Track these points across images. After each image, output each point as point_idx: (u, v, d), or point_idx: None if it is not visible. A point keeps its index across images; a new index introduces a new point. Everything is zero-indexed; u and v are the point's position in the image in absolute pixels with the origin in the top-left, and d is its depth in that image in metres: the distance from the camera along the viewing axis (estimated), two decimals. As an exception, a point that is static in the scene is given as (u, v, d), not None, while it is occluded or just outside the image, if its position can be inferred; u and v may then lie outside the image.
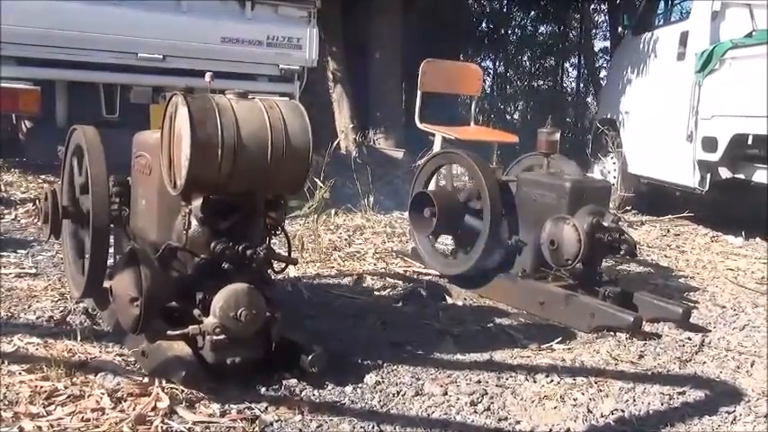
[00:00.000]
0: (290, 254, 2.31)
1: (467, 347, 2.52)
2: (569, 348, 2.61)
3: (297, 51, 5.27)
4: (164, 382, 1.95)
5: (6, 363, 2.04)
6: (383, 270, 3.55)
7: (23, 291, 2.77)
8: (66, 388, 1.91)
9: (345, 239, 4.18)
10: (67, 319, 2.50)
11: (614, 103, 6.73)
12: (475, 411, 2.02)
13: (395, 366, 2.29)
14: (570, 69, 17.94)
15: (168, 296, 2.07)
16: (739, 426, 2.03)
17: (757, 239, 5.04)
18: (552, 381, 2.26)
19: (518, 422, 1.98)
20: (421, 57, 5.26)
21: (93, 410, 1.80)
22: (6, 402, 1.82)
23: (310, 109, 2.13)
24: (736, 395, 2.25)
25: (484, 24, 15.79)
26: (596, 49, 16.36)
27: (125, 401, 1.86)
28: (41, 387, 1.90)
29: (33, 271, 3.07)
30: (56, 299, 2.70)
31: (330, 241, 4.02)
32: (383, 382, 2.17)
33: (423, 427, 1.90)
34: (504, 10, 16.08)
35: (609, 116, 6.80)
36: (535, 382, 2.25)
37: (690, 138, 5.13)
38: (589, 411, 2.05)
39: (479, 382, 2.22)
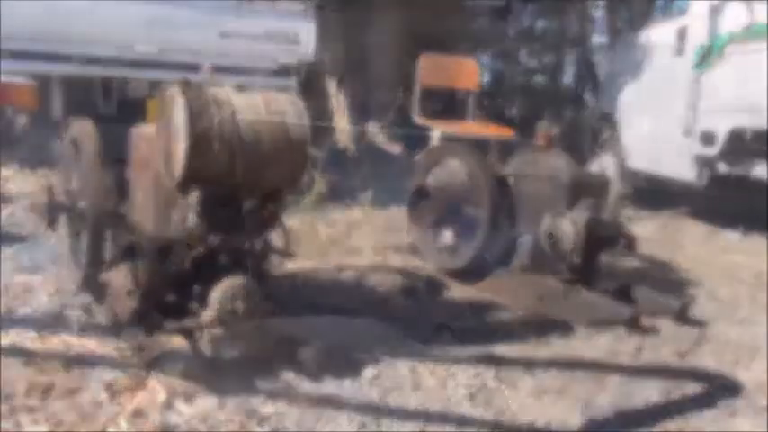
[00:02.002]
0: (287, 247, 2.30)
1: (465, 341, 2.52)
2: (567, 342, 2.60)
3: (295, 46, 5.25)
4: (161, 375, 1.94)
5: (3, 356, 2.03)
6: (381, 264, 3.54)
7: (20, 285, 2.76)
8: (63, 381, 1.90)
9: (343, 234, 4.17)
10: (64, 312, 2.49)
11: (613, 99, 6.72)
12: (473, 405, 2.01)
13: (393, 360, 2.28)
14: (568, 65, 17.93)
15: (165, 289, 2.06)
16: (738, 419, 2.03)
17: (755, 234, 5.03)
18: (551, 374, 2.25)
19: (516, 415, 1.97)
20: (419, 51, 5.24)
21: (89, 404, 1.80)
22: (3, 396, 1.81)
23: (308, 103, 2.12)
24: (735, 388, 2.25)
25: (482, 20, 15.77)
26: (595, 44, 16.35)
27: (122, 395, 1.85)
28: (38, 381, 1.89)
29: (30, 265, 3.06)
30: (52, 293, 2.69)
31: (328, 236, 4.01)
32: (381, 375, 2.17)
33: (421, 420, 1.89)
34: (503, 5, 16.05)
35: (607, 111, 6.79)
36: (533, 375, 2.25)
37: (688, 132, 5.12)
38: (587, 405, 2.04)
39: (477, 375, 2.21)
